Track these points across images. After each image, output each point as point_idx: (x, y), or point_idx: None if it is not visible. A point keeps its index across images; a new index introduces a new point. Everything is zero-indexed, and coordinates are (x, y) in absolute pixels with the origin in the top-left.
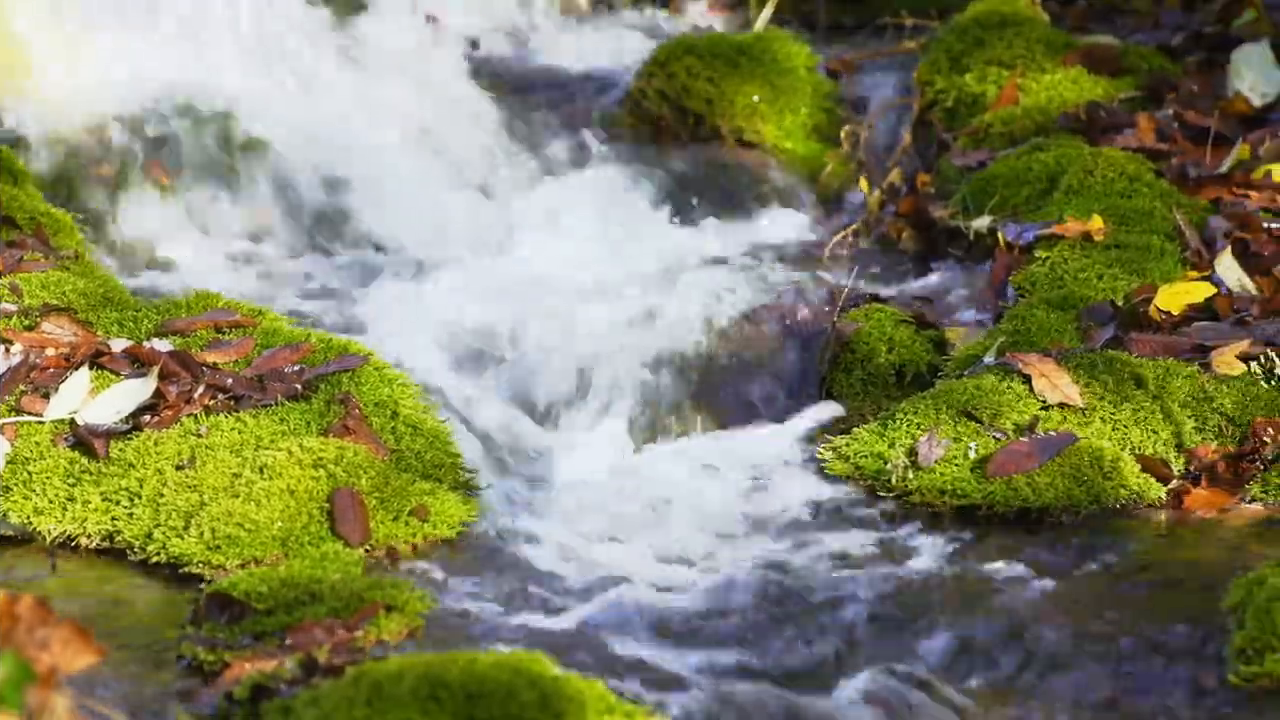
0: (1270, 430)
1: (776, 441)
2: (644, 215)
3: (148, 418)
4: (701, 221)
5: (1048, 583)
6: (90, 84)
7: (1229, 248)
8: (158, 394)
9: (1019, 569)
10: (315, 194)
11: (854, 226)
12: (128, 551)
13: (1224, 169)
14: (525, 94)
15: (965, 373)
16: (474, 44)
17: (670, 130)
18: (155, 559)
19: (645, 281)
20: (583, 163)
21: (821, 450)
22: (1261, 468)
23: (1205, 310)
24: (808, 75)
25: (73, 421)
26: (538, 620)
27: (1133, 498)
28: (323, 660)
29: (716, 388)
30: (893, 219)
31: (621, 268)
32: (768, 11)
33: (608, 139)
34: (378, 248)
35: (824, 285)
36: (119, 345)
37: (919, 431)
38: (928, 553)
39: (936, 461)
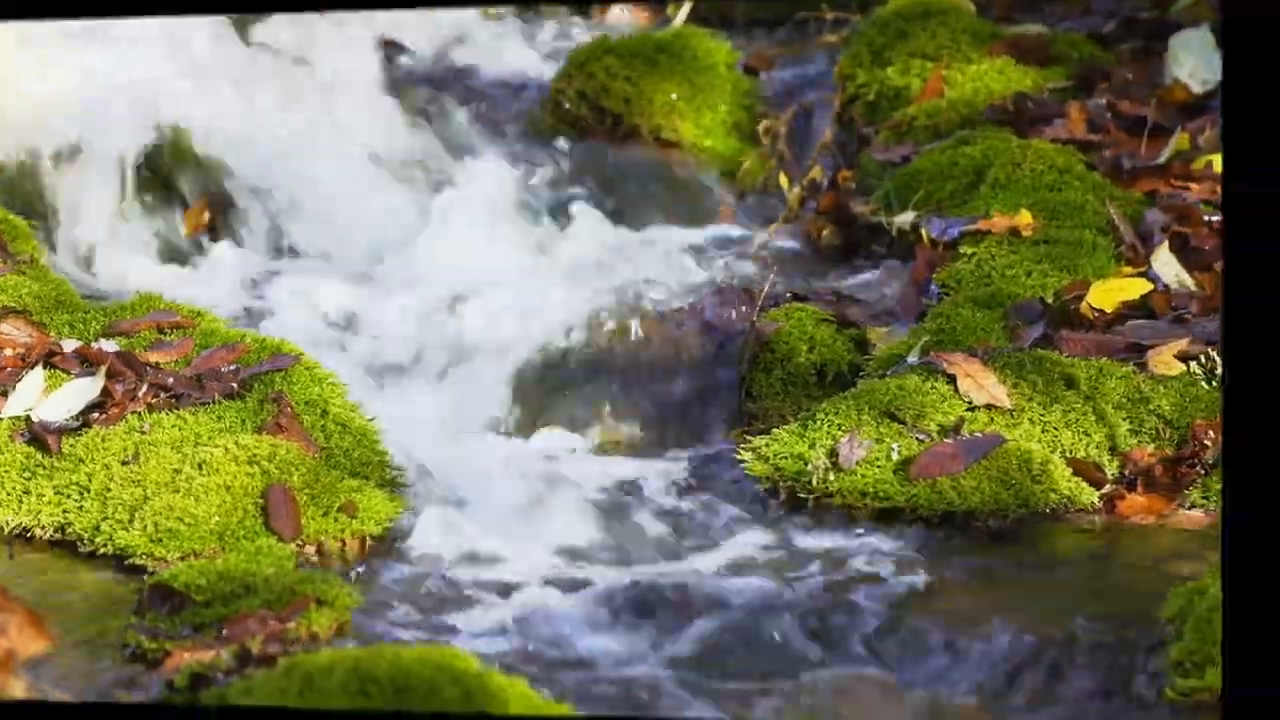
0: (1211, 433)
1: (693, 441)
2: (563, 215)
3: (96, 415)
4: (620, 221)
5: (973, 591)
6: (55, 99)
7: (1166, 242)
8: (105, 392)
9: (942, 575)
10: (250, 203)
11: (774, 225)
12: (78, 543)
13: (1161, 160)
14: (450, 98)
15: (888, 372)
16: (400, 50)
17: (590, 130)
18: (103, 550)
19: (562, 281)
20: (505, 164)
21: (741, 451)
22: (1202, 472)
23: (1141, 308)
24: (727, 72)
25: (28, 418)
26: (458, 615)
27: (1064, 502)
28: (256, 651)
29: (634, 387)
30: (813, 216)
31: (541, 267)
32: (686, 8)
33: (529, 140)
34: (309, 253)
35: (743, 284)
36: (70, 346)
37: (840, 432)
38: (843, 555)
39: (858, 463)
